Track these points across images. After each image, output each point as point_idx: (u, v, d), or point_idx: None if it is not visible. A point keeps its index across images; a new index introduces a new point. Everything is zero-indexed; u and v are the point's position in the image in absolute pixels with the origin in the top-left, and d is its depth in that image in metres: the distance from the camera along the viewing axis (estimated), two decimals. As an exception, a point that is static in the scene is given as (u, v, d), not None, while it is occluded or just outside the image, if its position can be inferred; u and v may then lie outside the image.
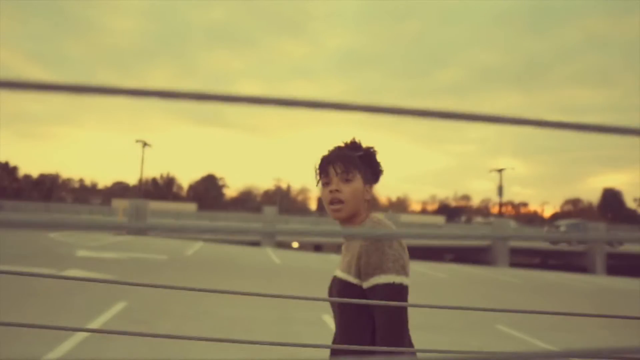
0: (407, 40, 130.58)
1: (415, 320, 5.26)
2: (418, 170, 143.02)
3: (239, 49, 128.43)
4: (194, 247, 15.55)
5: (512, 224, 34.31)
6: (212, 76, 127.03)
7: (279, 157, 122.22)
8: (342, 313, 1.43)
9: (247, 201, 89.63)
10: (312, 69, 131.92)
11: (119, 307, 5.97)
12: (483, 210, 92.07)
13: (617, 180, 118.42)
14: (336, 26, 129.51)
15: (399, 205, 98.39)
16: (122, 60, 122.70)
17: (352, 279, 1.39)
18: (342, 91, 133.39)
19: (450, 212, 78.87)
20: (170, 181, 73.11)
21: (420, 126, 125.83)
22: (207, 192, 74.66)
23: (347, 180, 1.45)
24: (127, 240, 16.43)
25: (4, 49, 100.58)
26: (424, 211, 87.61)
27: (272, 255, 15.87)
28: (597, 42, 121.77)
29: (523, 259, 28.03)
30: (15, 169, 39.56)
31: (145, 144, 19.15)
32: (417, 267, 15.99)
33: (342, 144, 1.53)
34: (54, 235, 16.46)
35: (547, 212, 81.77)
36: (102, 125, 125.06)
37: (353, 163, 1.47)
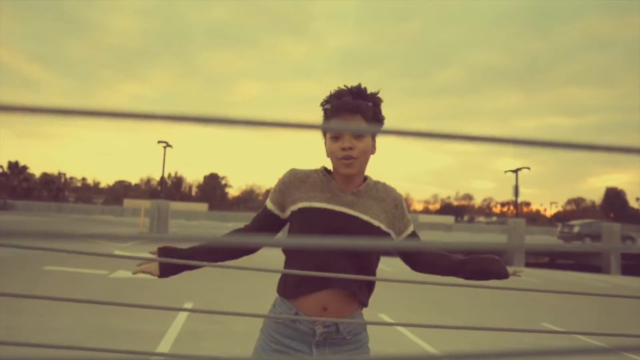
0: (408, 40, 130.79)
1: (464, 318, 5.46)
2: (419, 169, 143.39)
3: (240, 49, 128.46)
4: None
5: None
6: (213, 76, 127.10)
7: (281, 156, 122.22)
8: (367, 257, 1.48)
9: (249, 200, 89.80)
10: (313, 68, 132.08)
11: (188, 307, 6.18)
12: (485, 210, 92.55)
13: (618, 180, 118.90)
14: (337, 26, 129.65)
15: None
16: (123, 60, 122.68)
17: (384, 227, 1.51)
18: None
19: (452, 211, 79.14)
20: (178, 181, 73.29)
21: (421, 125, 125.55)
22: (213, 191, 74.80)
23: (359, 136, 1.44)
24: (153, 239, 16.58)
25: (4, 49, 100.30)
26: (426, 211, 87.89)
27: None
28: (597, 42, 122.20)
29: (531, 258, 28.28)
30: (25, 168, 39.78)
31: (167, 145, 19.41)
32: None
33: (347, 90, 1.50)
34: (79, 235, 16.64)
35: (551, 212, 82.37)
36: (103, 124, 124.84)
37: (365, 117, 1.45)
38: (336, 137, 1.44)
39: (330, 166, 1.54)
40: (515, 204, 20.46)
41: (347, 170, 1.45)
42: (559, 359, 0.56)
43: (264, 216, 1.56)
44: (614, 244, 19.92)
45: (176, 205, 38.86)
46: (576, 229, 25.08)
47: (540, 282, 13.81)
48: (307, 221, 1.45)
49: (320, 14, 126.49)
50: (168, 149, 19.61)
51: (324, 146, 1.52)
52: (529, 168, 19.52)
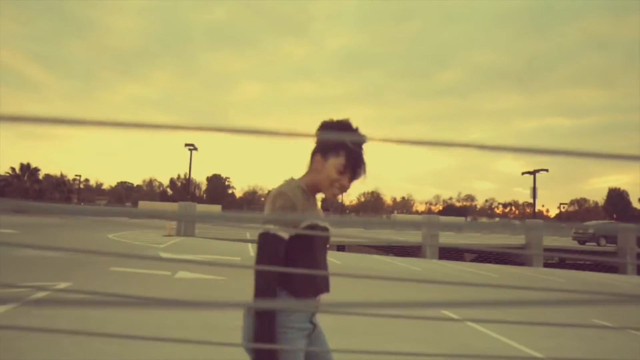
0: (408, 40, 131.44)
1: (510, 313, 5.75)
2: (420, 170, 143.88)
3: (240, 50, 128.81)
4: (248, 248, 15.91)
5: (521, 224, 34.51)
6: (213, 77, 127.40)
7: (282, 158, 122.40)
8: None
9: (252, 202, 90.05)
10: (313, 69, 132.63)
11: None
12: (487, 211, 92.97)
13: (619, 180, 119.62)
14: (337, 27, 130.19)
15: (403, 206, 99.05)
16: (124, 61, 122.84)
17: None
18: (344, 92, 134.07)
19: (455, 212, 79.44)
20: (187, 182, 73.56)
21: (422, 127, 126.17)
22: (219, 192, 74.94)
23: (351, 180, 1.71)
24: (183, 241, 16.85)
25: (4, 49, 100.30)
26: (429, 212, 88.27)
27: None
28: (597, 42, 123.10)
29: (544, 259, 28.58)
30: (36, 170, 39.91)
31: (193, 148, 19.58)
32: (464, 267, 16.58)
33: (361, 149, 1.68)
34: (112, 236, 16.91)
35: (553, 213, 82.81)
36: (104, 125, 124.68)
37: None
38: (341, 173, 1.66)
39: (301, 170, 1.76)
40: (533, 205, 20.74)
41: (333, 199, 1.74)
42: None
43: (282, 248, 1.56)
44: (630, 245, 20.27)
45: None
46: (591, 230, 25.33)
47: (568, 282, 14.13)
48: (312, 237, 1.63)
49: (320, 15, 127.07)
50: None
51: (320, 159, 1.69)
52: (547, 170, 19.78)
